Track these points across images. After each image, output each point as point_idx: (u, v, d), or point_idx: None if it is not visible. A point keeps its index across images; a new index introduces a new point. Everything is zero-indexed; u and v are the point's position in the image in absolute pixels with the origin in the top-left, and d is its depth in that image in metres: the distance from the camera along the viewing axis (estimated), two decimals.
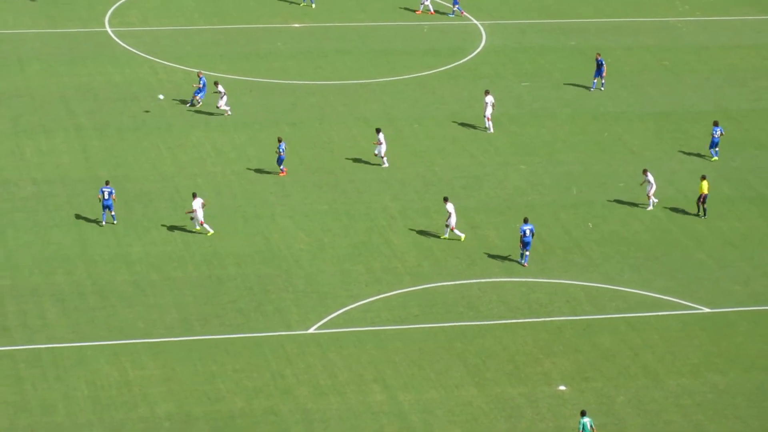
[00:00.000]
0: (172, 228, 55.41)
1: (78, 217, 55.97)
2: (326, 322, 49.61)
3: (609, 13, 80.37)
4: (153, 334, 48.32)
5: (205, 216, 55.67)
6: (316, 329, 49.16)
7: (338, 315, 50.04)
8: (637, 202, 58.89)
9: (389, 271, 53.02)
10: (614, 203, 59.05)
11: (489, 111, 64.79)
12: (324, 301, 50.77)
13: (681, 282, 53.14)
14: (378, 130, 60.96)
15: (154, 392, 45.15)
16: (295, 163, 61.44)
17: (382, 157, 60.73)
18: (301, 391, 45.59)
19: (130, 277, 51.79)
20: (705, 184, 57.72)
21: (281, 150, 59.39)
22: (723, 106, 68.95)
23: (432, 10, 78.75)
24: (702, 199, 57.60)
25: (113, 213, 55.01)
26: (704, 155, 63.67)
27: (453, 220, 54.79)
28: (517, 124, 66.22)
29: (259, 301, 50.65)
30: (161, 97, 65.09)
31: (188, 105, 66.05)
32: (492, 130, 64.86)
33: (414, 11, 78.97)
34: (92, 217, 55.83)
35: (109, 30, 74.91)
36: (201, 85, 65.40)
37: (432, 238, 55.47)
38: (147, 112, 63.42)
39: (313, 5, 78.80)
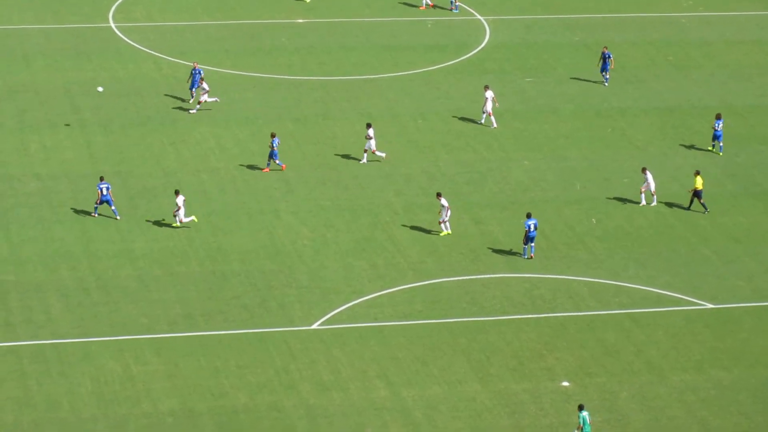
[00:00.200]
0: (175, 224, 55.36)
1: (82, 212, 55.99)
2: (330, 317, 49.61)
3: (613, 8, 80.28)
4: (156, 330, 48.35)
5: (209, 211, 55.67)
6: (319, 325, 49.17)
7: (342, 311, 50.04)
8: (640, 198, 58.80)
9: (393, 267, 53.01)
10: (618, 199, 59.00)
11: (489, 106, 64.76)
12: (327, 297, 50.78)
13: (685, 278, 53.09)
14: (368, 125, 60.97)
15: (157, 388, 45.18)
16: (298, 159, 61.43)
17: (374, 152, 60.65)
18: (304, 387, 45.60)
19: (133, 273, 51.81)
20: (699, 179, 57.67)
21: (274, 145, 59.32)
22: (728, 102, 68.85)
23: (431, 3, 78.57)
24: (697, 194, 57.51)
25: (113, 208, 55.06)
26: (709, 150, 63.60)
27: (447, 214, 54.71)
28: (521, 120, 66.16)
29: (262, 297, 50.65)
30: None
31: (191, 101, 66.04)
32: (495, 125, 64.83)
33: (418, 7, 78.89)
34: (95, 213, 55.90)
35: (113, 25, 74.90)
36: (192, 78, 65.02)
37: (435, 234, 55.43)
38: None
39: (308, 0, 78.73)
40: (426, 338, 48.58)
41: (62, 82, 67.78)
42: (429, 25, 76.90)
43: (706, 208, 57.70)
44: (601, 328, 49.61)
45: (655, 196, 58.17)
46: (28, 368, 45.90)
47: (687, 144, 64.50)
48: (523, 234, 53.94)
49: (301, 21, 76.72)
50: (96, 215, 55.32)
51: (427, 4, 78.90)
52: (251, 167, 60.47)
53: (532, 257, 53.55)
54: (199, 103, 64.66)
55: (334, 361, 47.05)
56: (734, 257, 54.76)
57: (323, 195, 58.46)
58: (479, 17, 78.25)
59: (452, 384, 46.08)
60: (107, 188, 54.81)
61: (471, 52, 73.57)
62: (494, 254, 54.27)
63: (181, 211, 54.27)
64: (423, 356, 47.54)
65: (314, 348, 47.70)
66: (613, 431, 44.14)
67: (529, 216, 53.95)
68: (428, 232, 55.71)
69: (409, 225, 56.09)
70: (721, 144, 63.36)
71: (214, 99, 65.00)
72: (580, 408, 42.76)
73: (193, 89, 65.51)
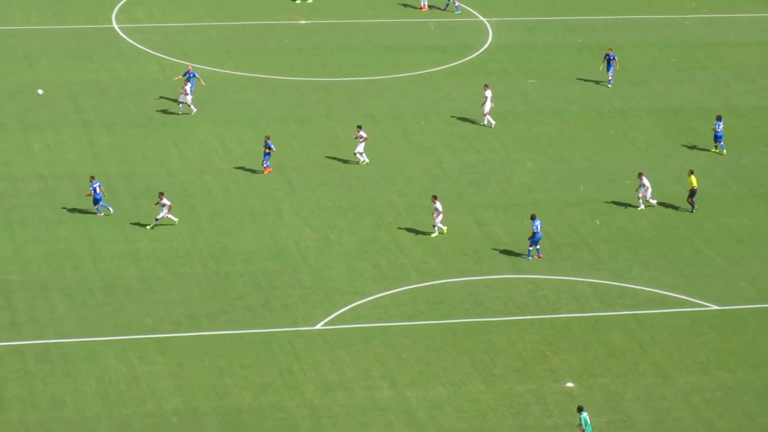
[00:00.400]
0: (179, 224, 55.38)
1: (85, 212, 55.95)
2: (333, 318, 49.58)
3: (616, 10, 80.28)
4: (160, 330, 48.31)
5: (212, 211, 55.67)
6: (323, 325, 49.13)
7: (345, 311, 50.01)
8: (638, 203, 58.76)
9: (396, 268, 52.97)
10: (621, 200, 58.97)
11: (488, 106, 64.75)
12: (331, 297, 50.74)
13: (689, 279, 53.07)
14: (359, 127, 60.89)
15: (161, 387, 45.14)
16: (301, 160, 61.40)
17: (362, 153, 60.54)
18: (308, 387, 45.56)
19: (137, 273, 51.77)
20: (693, 178, 57.72)
21: (270, 147, 59.14)
22: (731, 103, 68.86)
23: (425, 5, 78.49)
24: (692, 193, 57.53)
25: (103, 204, 55.06)
26: (711, 150, 63.60)
27: (439, 218, 54.69)
28: (523, 121, 66.15)
29: (266, 297, 50.61)
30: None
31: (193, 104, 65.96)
32: (494, 124, 64.80)
33: (418, 8, 78.88)
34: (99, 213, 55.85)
35: (116, 26, 74.87)
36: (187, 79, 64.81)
37: (438, 235, 55.40)
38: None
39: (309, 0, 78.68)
40: (430, 339, 48.55)
41: (65, 82, 67.74)
42: (431, 27, 76.88)
43: (693, 207, 57.60)
44: (605, 329, 49.59)
45: (653, 201, 58.07)
46: (32, 367, 45.86)
47: (689, 145, 64.50)
48: (530, 235, 53.88)
49: (303, 22, 76.70)
50: (102, 214, 55.33)
51: (429, 5, 78.90)
52: (254, 168, 60.43)
53: (540, 257, 53.53)
54: (179, 103, 64.28)
55: (338, 361, 47.02)
56: (738, 259, 54.74)
57: (326, 196, 58.43)
58: (481, 18, 78.25)
59: (456, 384, 46.04)
60: (99, 186, 54.91)
61: (473, 53, 73.57)
62: (498, 255, 54.24)
63: (164, 211, 54.15)
64: (427, 357, 47.51)
65: (318, 348, 47.67)
66: None
67: (534, 218, 53.93)
68: (431, 232, 55.67)
69: (412, 226, 56.07)
70: (723, 144, 63.38)
71: (189, 104, 64.20)
72: (580, 409, 42.73)
73: (191, 90, 65.27)
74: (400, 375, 46.42)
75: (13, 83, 67.52)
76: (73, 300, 49.81)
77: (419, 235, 55.45)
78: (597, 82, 70.50)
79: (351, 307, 50.24)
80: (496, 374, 46.63)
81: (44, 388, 44.85)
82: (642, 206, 57.97)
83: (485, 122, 65.20)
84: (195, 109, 64.87)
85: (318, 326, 49.08)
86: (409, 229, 55.85)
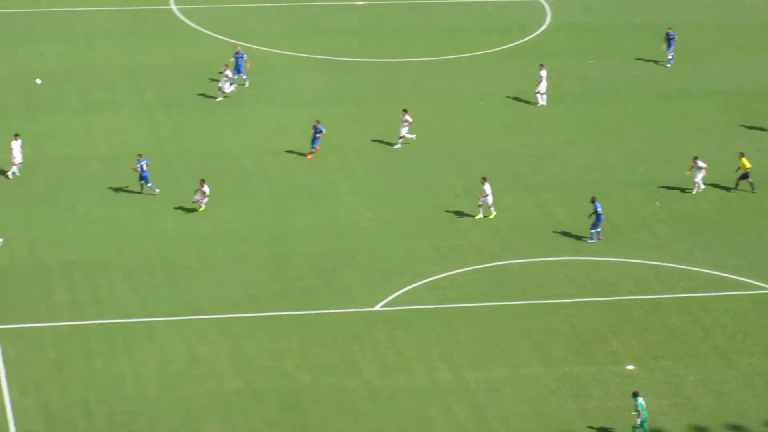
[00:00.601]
0: (238, 205, 55.55)
1: (145, 193, 56.22)
2: (392, 299, 49.53)
3: None
4: (220, 310, 48.48)
5: (271, 192, 55.85)
6: (381, 306, 49.11)
7: (404, 292, 49.95)
8: (705, 182, 58.17)
9: (455, 249, 52.83)
10: (681, 182, 58.43)
11: (543, 86, 64.37)
12: (389, 279, 50.70)
13: (752, 261, 52.51)
14: (404, 111, 60.55)
15: (221, 368, 45.31)
16: (360, 141, 61.34)
17: (406, 136, 60.25)
18: (367, 368, 45.57)
19: (197, 254, 51.97)
20: (745, 160, 57.11)
21: (320, 131, 58.94)
22: None
23: None
24: (745, 175, 56.90)
25: (150, 183, 55.26)
26: None
27: (490, 200, 54.42)
28: (582, 102, 65.71)
29: (325, 279, 50.65)
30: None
31: (244, 84, 65.92)
32: (544, 103, 64.34)
33: None
34: (160, 194, 56.11)
35: (174, 8, 75.13)
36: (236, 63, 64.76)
37: (497, 216, 55.15)
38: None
39: None
40: (488, 321, 48.40)
41: (124, 63, 68.07)
42: (489, 8, 76.49)
43: (753, 188, 57.03)
44: (666, 312, 49.20)
45: (702, 185, 57.27)
46: (94, 347, 46.19)
47: (751, 126, 63.77)
48: (592, 217, 53.47)
49: (360, 3, 76.57)
50: (157, 191, 55.52)
51: None
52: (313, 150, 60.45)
53: (600, 239, 53.19)
54: (220, 90, 64.17)
55: (397, 342, 46.98)
56: None
57: (384, 177, 58.36)
58: None
59: (515, 366, 45.88)
60: (146, 163, 55.10)
61: (532, 34, 73.13)
62: (557, 237, 53.95)
63: (198, 195, 54.31)
64: (486, 338, 47.37)
65: (377, 329, 47.66)
66: (680, 416, 43.78)
67: (594, 200, 53.57)
68: (490, 215, 55.46)
69: (471, 207, 55.86)
70: None
71: (225, 91, 64.16)
72: (635, 395, 42.40)
73: (240, 73, 65.33)
74: (460, 357, 46.33)
75: (72, 64, 67.94)
76: (134, 280, 50.09)
77: (478, 217, 55.25)
78: (656, 62, 69.87)
79: (410, 289, 50.18)
80: (556, 356, 46.43)
81: (105, 368, 45.16)
82: (696, 191, 57.18)
83: (540, 102, 64.85)
84: (231, 89, 64.02)
85: (377, 307, 49.07)
86: (467, 211, 55.66)
